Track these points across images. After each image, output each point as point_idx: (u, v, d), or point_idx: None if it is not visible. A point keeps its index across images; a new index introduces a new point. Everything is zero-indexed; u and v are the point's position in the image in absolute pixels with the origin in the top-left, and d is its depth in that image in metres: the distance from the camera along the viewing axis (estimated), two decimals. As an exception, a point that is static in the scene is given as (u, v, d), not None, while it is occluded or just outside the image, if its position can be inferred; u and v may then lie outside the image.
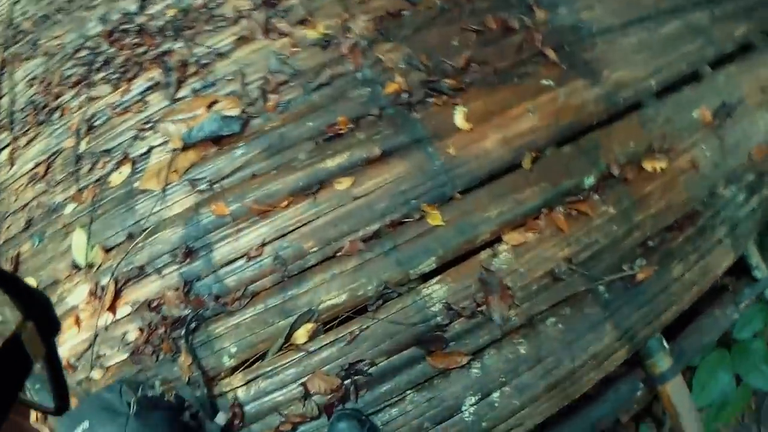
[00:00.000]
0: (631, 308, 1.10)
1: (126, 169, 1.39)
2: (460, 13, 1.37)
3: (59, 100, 1.61)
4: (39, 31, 1.85)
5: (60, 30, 1.77)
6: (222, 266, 1.24)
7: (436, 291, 1.14)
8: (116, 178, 1.40)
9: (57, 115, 1.59)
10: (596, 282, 1.10)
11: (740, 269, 1.28)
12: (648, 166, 1.20)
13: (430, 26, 1.36)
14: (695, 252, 1.16)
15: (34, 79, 1.72)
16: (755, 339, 1.26)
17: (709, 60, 1.39)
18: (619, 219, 1.16)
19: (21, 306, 0.29)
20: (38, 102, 1.66)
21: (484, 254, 1.14)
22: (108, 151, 1.44)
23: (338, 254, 1.20)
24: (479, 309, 1.10)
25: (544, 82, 1.26)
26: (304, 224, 1.23)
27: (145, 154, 1.39)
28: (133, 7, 1.63)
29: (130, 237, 1.33)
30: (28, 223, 1.54)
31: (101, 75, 1.56)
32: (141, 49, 1.52)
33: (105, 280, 1.32)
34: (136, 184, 1.37)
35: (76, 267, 1.39)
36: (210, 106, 1.32)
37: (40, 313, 0.30)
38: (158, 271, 1.28)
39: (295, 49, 1.35)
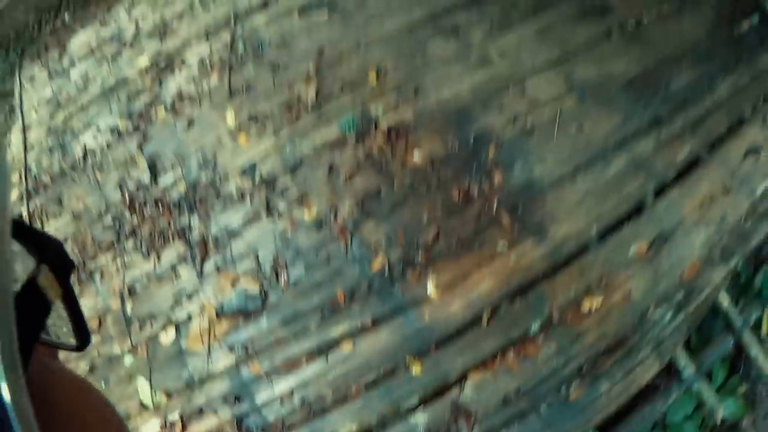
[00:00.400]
0: (565, 420, 1.71)
1: (171, 332, 1.90)
2: (428, 187, 1.83)
3: (96, 262, 2.07)
4: (59, 187, 2.25)
5: (80, 190, 2.19)
6: (263, 407, 1.80)
7: (420, 419, 1.72)
8: (164, 339, 1.91)
9: (98, 276, 2.05)
10: (538, 403, 1.67)
11: (668, 367, 1.84)
12: (585, 306, 1.75)
13: (404, 203, 1.86)
14: (621, 370, 1.73)
15: (66, 238, 2.14)
16: (687, 420, 1.85)
17: (651, 192, 1.88)
18: (558, 354, 1.75)
19: (34, 251, 0.31)
20: (76, 261, 2.10)
21: (454, 390, 1.71)
22: (152, 315, 1.92)
23: (348, 397, 1.74)
24: (450, 429, 1.68)
25: (499, 246, 1.79)
26: (321, 376, 1.76)
27: (185, 319, 1.87)
28: (146, 178, 2.05)
29: (188, 385, 1.85)
30: (92, 369, 2.04)
31: (131, 243, 2.00)
32: (163, 222, 1.97)
33: (172, 418, 1.87)
34: (183, 345, 1.86)
35: (144, 406, 1.92)
36: (234, 282, 1.80)
37: (54, 256, 0.32)
38: (214, 411, 1.84)
39: (294, 230, 1.82)
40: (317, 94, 2.19)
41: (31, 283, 0.30)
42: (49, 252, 0.32)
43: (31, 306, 0.30)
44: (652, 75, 2.33)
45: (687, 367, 1.95)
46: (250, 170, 2.08)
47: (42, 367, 0.34)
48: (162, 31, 2.74)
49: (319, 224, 1.94)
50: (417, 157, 2.00)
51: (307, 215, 1.96)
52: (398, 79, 2.20)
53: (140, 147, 2.32)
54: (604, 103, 2.19)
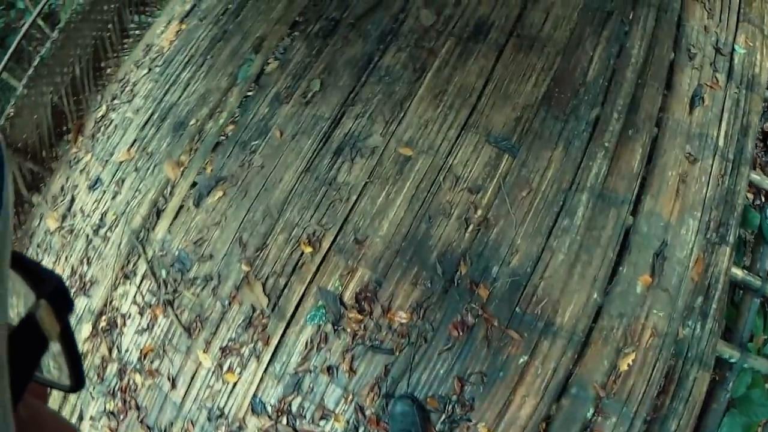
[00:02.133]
0: (659, 468, 1.66)
1: None
2: (426, 338, 1.70)
3: None
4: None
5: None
6: None
7: None
8: None
9: None
10: (631, 470, 1.64)
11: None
12: (623, 366, 1.66)
13: (414, 367, 1.73)
14: (680, 401, 1.68)
15: None
16: (750, 390, 1.82)
17: (627, 215, 1.78)
18: (621, 421, 1.66)
19: (34, 286, 0.30)
20: None
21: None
22: None
23: None
24: None
25: (521, 360, 1.66)
26: None
27: None
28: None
29: None
30: None
31: None
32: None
33: None
34: None
35: None
36: None
37: (54, 292, 0.30)
38: None
39: (336, 444, 1.72)
40: (267, 295, 1.97)
41: (29, 319, 0.28)
42: (49, 287, 0.30)
43: (27, 342, 0.28)
44: (564, 74, 2.05)
45: (731, 355, 1.85)
46: (258, 406, 1.93)
47: (30, 408, 0.33)
48: (81, 285, 2.45)
49: (354, 428, 1.82)
50: (400, 314, 1.82)
51: (338, 424, 1.83)
52: (332, 237, 1.96)
53: (143, 422, 2.16)
54: (536, 141, 1.94)
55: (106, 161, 2.57)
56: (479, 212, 1.84)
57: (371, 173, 1.96)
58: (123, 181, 2.47)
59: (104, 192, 2.50)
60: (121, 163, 2.51)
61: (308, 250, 1.93)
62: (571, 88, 1.95)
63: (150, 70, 2.72)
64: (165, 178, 2.32)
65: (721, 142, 1.89)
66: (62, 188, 2.72)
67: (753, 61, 2.06)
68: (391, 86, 2.09)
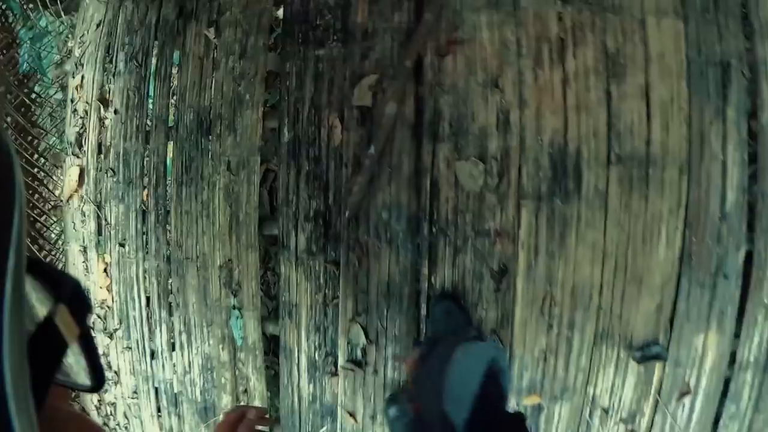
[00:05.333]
0: None
1: None
2: None
3: None
4: None
5: None
6: None
7: None
8: None
9: None
10: None
11: None
12: None
13: None
14: None
15: None
16: None
17: None
18: None
19: (51, 290, 0.29)
20: None
21: None
22: None
23: None
24: None
25: None
26: None
27: None
28: None
29: None
30: None
31: None
32: None
33: None
34: None
35: None
36: None
37: (71, 296, 0.30)
38: None
39: None
40: None
41: (48, 323, 0.28)
42: (66, 291, 0.29)
43: (47, 346, 0.28)
44: (697, 207, 1.22)
45: None
46: None
47: (54, 410, 0.32)
48: None
49: None
50: None
51: None
52: None
53: None
54: (685, 327, 1.23)
55: (147, 460, 2.00)
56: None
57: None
58: (186, 481, 1.94)
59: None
60: (167, 461, 1.94)
61: None
62: (710, 229, 1.18)
63: (112, 336, 1.90)
64: (236, 481, 1.79)
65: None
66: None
67: None
68: (472, 311, 1.34)
